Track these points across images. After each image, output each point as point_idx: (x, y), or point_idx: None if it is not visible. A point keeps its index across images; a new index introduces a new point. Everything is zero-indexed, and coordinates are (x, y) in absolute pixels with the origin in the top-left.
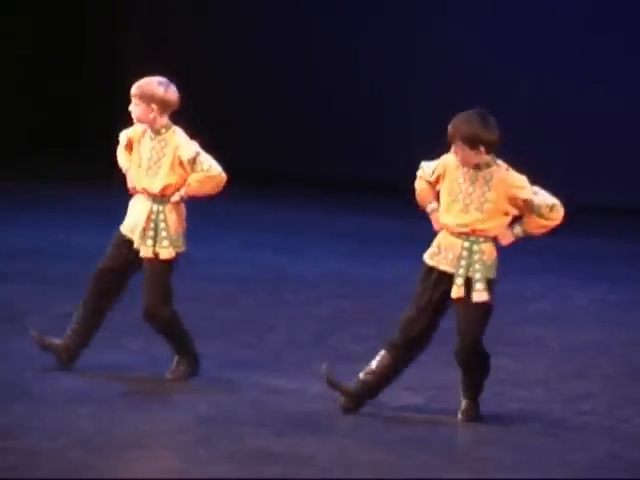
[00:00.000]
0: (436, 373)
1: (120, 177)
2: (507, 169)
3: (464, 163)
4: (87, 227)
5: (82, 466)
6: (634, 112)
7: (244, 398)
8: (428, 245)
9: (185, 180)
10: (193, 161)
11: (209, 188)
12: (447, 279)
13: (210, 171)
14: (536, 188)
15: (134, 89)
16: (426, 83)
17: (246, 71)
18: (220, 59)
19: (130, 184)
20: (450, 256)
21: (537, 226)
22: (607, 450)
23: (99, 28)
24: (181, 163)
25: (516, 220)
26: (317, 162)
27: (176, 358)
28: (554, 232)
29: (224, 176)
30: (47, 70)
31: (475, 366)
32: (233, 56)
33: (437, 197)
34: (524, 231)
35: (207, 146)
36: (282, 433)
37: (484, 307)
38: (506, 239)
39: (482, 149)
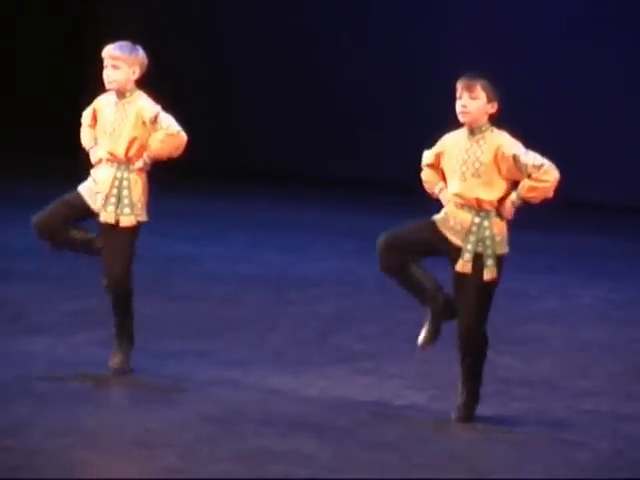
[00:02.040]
0: (439, 372)
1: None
2: (500, 133)
3: (472, 116)
4: (87, 226)
5: (85, 465)
6: (636, 110)
7: (247, 397)
8: None
9: (147, 142)
10: (154, 119)
11: (170, 148)
12: (451, 248)
13: (169, 129)
14: (530, 151)
15: (115, 51)
16: (428, 83)
17: (247, 71)
18: (223, 59)
19: (94, 159)
20: (458, 228)
21: (528, 189)
22: (611, 448)
23: (98, 29)
24: (144, 123)
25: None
26: (320, 161)
27: (117, 343)
28: (558, 230)
29: (184, 135)
30: (47, 70)
31: (477, 346)
32: (233, 56)
33: (444, 178)
34: (518, 196)
35: (209, 146)
36: (284, 432)
37: (491, 284)
38: (506, 209)
39: (495, 105)
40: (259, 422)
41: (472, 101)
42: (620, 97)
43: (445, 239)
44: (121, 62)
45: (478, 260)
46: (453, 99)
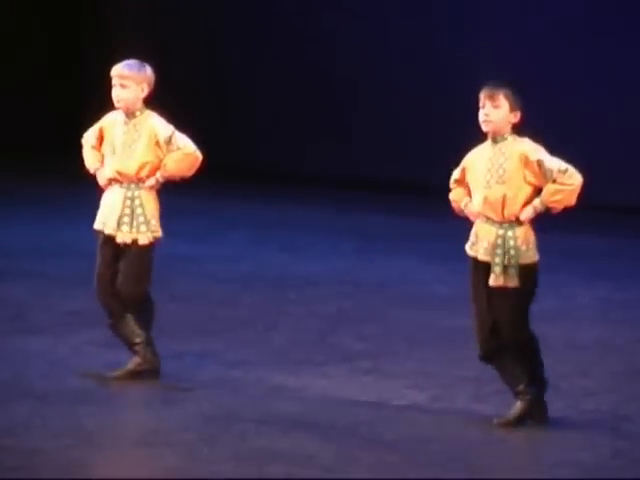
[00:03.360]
0: (440, 371)
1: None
2: (523, 140)
3: (494, 125)
4: (88, 225)
5: (84, 465)
6: (637, 110)
7: (247, 396)
8: (432, 244)
9: (160, 162)
10: (169, 140)
11: (185, 167)
12: (487, 267)
13: (185, 149)
14: (554, 157)
15: (123, 70)
16: (430, 83)
17: (247, 71)
18: (223, 59)
19: (103, 180)
20: (485, 245)
21: (553, 192)
22: (611, 448)
23: (98, 29)
24: (157, 143)
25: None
26: (320, 161)
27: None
28: (557, 229)
29: (199, 154)
30: (47, 69)
31: (526, 349)
32: (235, 56)
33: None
34: (542, 202)
35: (209, 145)
36: (285, 432)
37: (522, 292)
38: (525, 213)
39: (518, 114)
40: (259, 422)
41: (494, 110)
42: (621, 97)
43: (483, 266)
44: (130, 81)
45: (507, 271)
46: (455, 98)
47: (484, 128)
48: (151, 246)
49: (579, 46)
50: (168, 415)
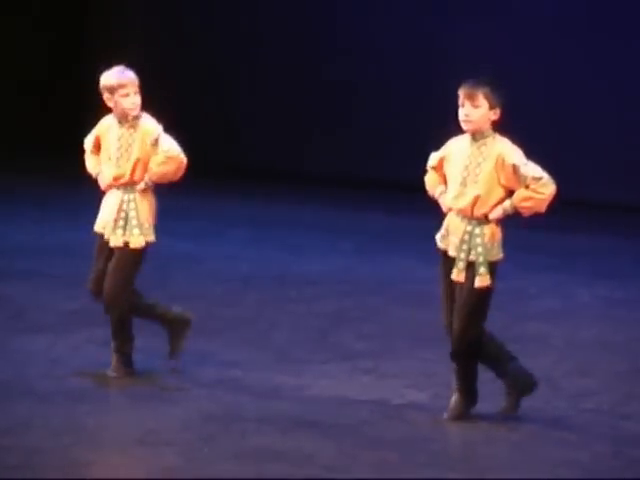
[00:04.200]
0: (439, 370)
1: (93, 184)
2: (502, 140)
3: (474, 124)
4: (87, 225)
5: (85, 464)
6: (638, 110)
7: (247, 396)
8: (431, 243)
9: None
10: (155, 142)
11: (171, 171)
12: (454, 262)
13: (170, 151)
14: (530, 162)
15: (134, 77)
16: (429, 82)
17: (247, 70)
18: (220, 59)
19: (103, 185)
20: (454, 240)
21: (523, 198)
22: (610, 448)
23: (100, 29)
24: (150, 144)
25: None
26: (320, 160)
27: (115, 356)
28: (558, 228)
29: (183, 157)
30: (47, 70)
31: (467, 348)
32: (236, 57)
33: (446, 182)
34: (512, 205)
35: (209, 145)
36: (285, 431)
37: (485, 290)
38: (494, 214)
39: (497, 111)
40: (259, 421)
41: (474, 110)
42: (621, 97)
43: (450, 261)
44: (137, 87)
45: (471, 268)
46: (452, 100)
47: (464, 127)
48: (142, 251)
49: (579, 45)
50: (168, 414)
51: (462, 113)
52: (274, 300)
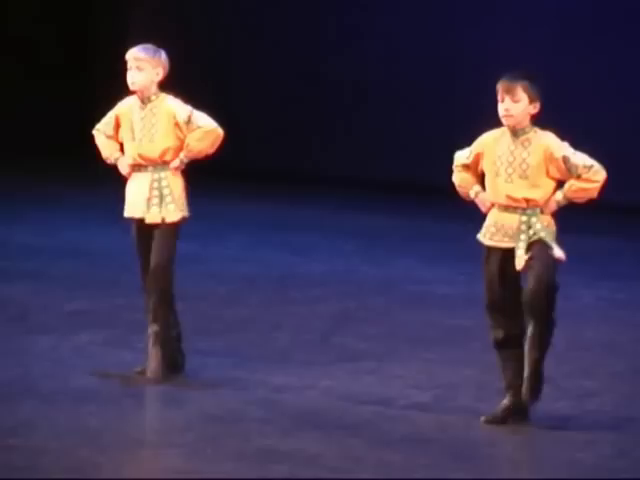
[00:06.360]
0: (443, 371)
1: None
2: (545, 133)
3: (515, 119)
4: (90, 225)
5: (89, 465)
6: (637, 109)
7: (250, 396)
8: (433, 244)
9: (182, 142)
10: (188, 120)
11: (208, 145)
12: (511, 254)
13: (206, 126)
14: (578, 151)
15: (139, 53)
16: (431, 83)
17: (248, 70)
18: (222, 59)
19: (125, 169)
20: (510, 232)
21: (577, 189)
22: (614, 448)
23: (101, 29)
24: (177, 125)
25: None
26: (322, 161)
27: (154, 351)
28: (561, 230)
29: (220, 130)
30: (48, 70)
31: (546, 310)
32: (237, 57)
33: (480, 181)
34: (565, 196)
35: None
36: (288, 432)
37: (558, 262)
38: (548, 207)
39: (537, 105)
40: (262, 422)
41: (514, 104)
42: (622, 97)
43: (505, 255)
44: (145, 63)
45: (534, 246)
46: (459, 97)
47: (505, 122)
48: (178, 226)
49: (582, 45)
50: (172, 415)
51: (502, 108)
52: (277, 301)
